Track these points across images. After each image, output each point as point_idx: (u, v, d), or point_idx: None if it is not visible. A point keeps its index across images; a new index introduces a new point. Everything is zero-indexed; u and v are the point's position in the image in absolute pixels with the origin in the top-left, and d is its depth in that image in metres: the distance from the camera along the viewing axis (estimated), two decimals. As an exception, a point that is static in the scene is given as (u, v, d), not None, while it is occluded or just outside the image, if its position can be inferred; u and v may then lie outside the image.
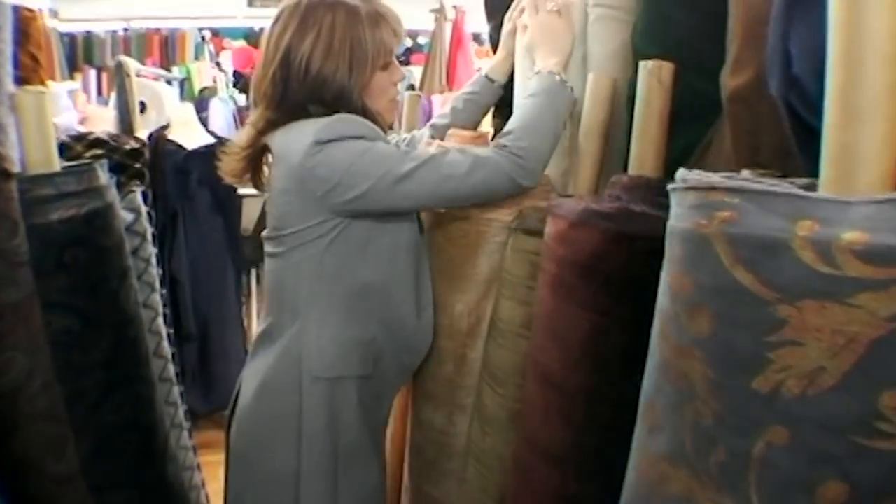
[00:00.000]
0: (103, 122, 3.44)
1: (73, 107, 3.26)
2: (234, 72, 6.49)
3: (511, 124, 1.40)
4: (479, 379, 1.46)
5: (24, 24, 1.58)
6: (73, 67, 6.21)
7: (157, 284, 1.67)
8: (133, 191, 1.59)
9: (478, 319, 1.45)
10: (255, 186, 1.54)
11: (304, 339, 1.42)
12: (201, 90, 5.86)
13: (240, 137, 1.48)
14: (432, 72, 6.35)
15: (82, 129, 3.13)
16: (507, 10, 1.68)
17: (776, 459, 0.61)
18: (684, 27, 1.20)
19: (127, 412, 1.32)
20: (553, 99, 1.40)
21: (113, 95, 3.54)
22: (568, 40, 1.46)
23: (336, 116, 1.37)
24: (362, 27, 1.41)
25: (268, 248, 1.49)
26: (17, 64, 1.51)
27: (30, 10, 1.62)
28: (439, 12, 6.39)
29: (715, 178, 0.64)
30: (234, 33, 7.29)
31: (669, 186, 0.69)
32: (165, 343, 1.69)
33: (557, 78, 1.42)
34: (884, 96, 0.59)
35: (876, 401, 0.55)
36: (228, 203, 3.25)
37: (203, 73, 6.28)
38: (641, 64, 1.11)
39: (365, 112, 1.43)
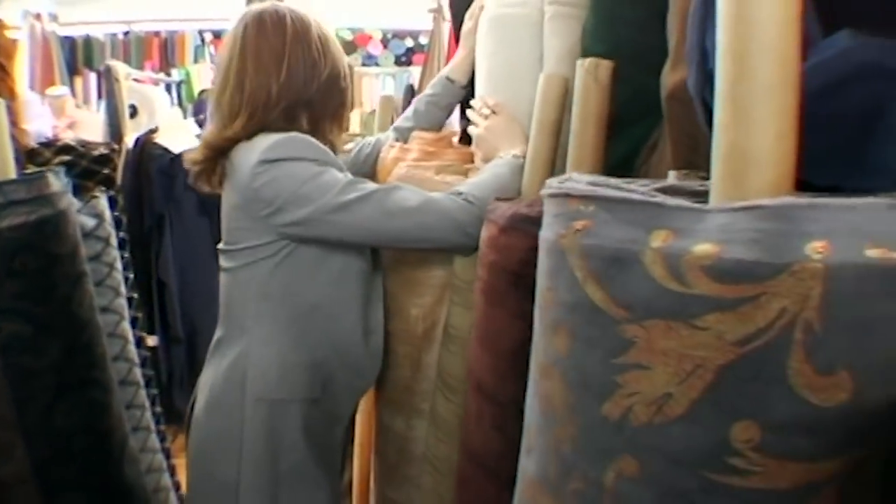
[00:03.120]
0: (92, 126, 3.46)
1: (56, 113, 3.27)
2: (234, 74, 6.51)
3: (472, 183, 1.38)
4: (434, 385, 1.46)
5: (-10, 35, 1.58)
6: (72, 71, 6.23)
7: (122, 288, 1.67)
8: (96, 196, 1.60)
9: (433, 324, 1.45)
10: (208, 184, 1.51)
11: (249, 358, 1.41)
12: (200, 92, 5.90)
13: (196, 153, 1.47)
14: (431, 71, 6.33)
15: (69, 134, 3.15)
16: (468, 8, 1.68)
17: (627, 491, 0.56)
18: (630, 25, 1.18)
19: (80, 415, 1.33)
20: (516, 178, 1.37)
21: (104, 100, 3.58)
22: (519, 129, 1.44)
23: (286, 136, 1.36)
24: (313, 45, 1.42)
25: (221, 261, 1.49)
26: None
27: (-6, 20, 1.63)
28: (437, 12, 6.38)
29: (576, 184, 0.60)
30: (234, 36, 7.31)
31: (541, 193, 0.67)
32: (131, 346, 1.70)
33: (522, 161, 1.39)
34: (773, 93, 0.55)
35: (726, 433, 0.51)
36: (215, 206, 3.25)
37: (202, 76, 6.31)
38: (578, 62, 1.09)
39: (316, 131, 1.43)
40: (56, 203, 1.29)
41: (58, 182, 1.32)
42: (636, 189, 0.57)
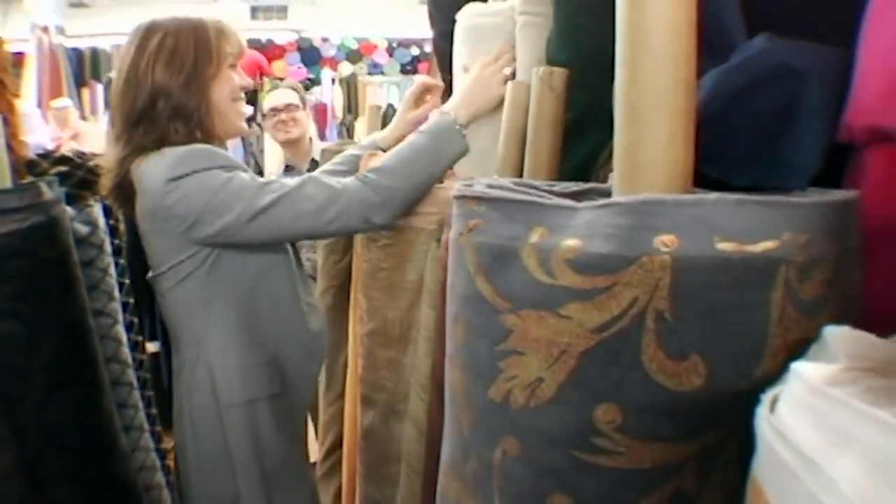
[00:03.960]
0: (95, 137, 3.55)
1: (47, 126, 3.36)
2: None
3: (387, 159, 1.42)
4: (410, 385, 1.52)
5: (-14, 49, 1.66)
6: (80, 82, 6.32)
7: (116, 293, 1.74)
8: (90, 206, 1.67)
9: (408, 326, 1.51)
10: (129, 214, 1.57)
11: (211, 367, 1.48)
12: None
13: (108, 161, 1.51)
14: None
15: (73, 145, 3.24)
16: (450, 17, 1.73)
17: (511, 470, 0.61)
18: (590, 33, 1.24)
19: (71, 412, 1.40)
20: (440, 142, 1.42)
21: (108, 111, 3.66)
22: (487, 99, 1.44)
23: (186, 149, 1.39)
24: (189, 35, 1.46)
25: (155, 288, 1.54)
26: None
27: (-8, 36, 1.70)
28: (442, 22, 6.43)
29: (474, 186, 0.65)
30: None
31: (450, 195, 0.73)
32: (125, 349, 1.77)
33: (456, 126, 1.43)
34: (663, 95, 0.57)
35: (591, 415, 0.54)
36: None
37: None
38: (533, 70, 1.13)
39: (208, 128, 1.47)
40: (48, 211, 1.37)
41: (50, 191, 1.40)
42: (527, 190, 0.62)
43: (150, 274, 1.55)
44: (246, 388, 1.48)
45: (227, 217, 1.36)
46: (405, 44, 7.94)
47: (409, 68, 7.95)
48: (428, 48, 7.47)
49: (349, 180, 1.40)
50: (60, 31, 6.26)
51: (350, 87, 7.25)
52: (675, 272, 0.50)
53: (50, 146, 2.75)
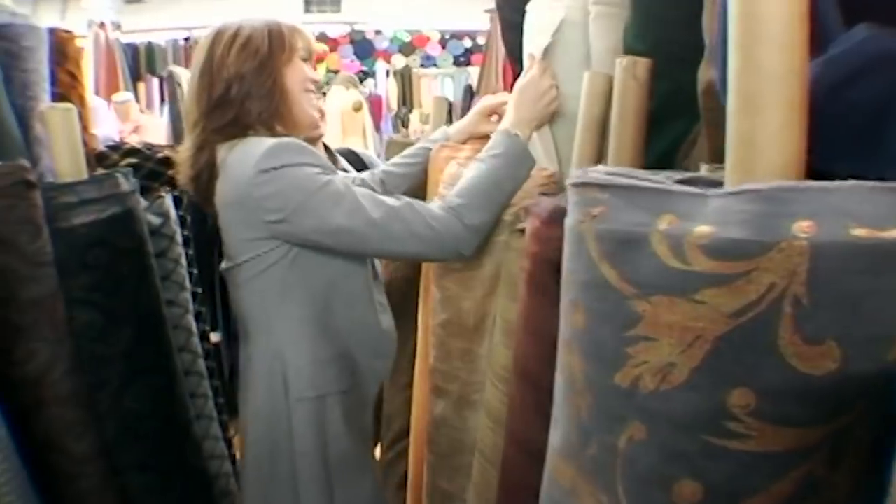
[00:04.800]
0: (156, 130, 3.60)
1: (120, 118, 3.41)
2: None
3: (471, 189, 1.41)
4: (485, 376, 1.50)
5: (61, 45, 1.69)
6: (135, 77, 6.44)
7: (187, 283, 1.76)
8: (162, 196, 1.69)
9: (483, 317, 1.49)
10: (207, 206, 1.58)
11: (283, 361, 1.48)
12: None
13: (184, 150, 1.54)
14: (489, 72, 6.38)
15: (135, 137, 3.28)
16: (518, 9, 1.71)
17: (637, 455, 0.60)
18: (668, 24, 1.22)
19: (147, 400, 1.41)
20: (516, 167, 1.43)
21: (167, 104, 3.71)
22: (546, 113, 1.46)
23: (276, 141, 1.40)
24: (262, 27, 1.49)
25: (228, 279, 1.56)
26: (55, 81, 1.64)
27: (66, 32, 1.73)
28: (494, 12, 6.40)
29: (593, 174, 0.65)
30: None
31: (566, 182, 0.72)
32: (195, 339, 1.78)
33: (525, 145, 1.44)
34: (778, 83, 0.58)
35: (724, 399, 0.55)
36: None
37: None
38: (617, 61, 1.12)
39: (283, 115, 1.49)
40: (125, 202, 1.38)
41: (127, 182, 1.41)
42: (650, 178, 0.62)
43: (224, 264, 1.55)
44: (316, 383, 1.48)
45: (317, 223, 1.37)
46: (458, 36, 7.91)
47: (462, 60, 7.92)
48: (480, 40, 7.45)
49: (439, 210, 1.40)
50: (117, 26, 6.38)
51: (405, 80, 7.26)
52: (812, 258, 0.50)
53: (117, 138, 2.79)
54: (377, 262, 1.63)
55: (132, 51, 6.75)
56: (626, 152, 1.12)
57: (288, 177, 1.37)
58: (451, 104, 7.54)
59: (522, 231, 1.35)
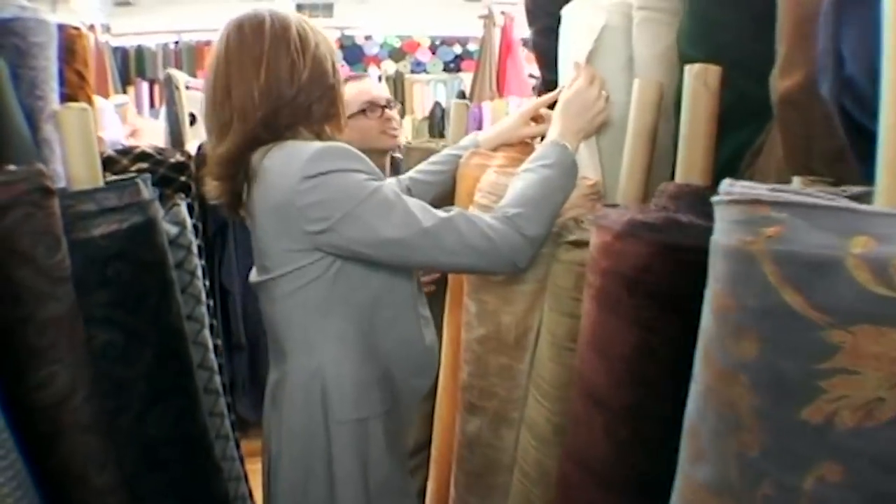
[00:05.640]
0: (153, 134, 3.50)
1: (120, 121, 3.31)
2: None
3: (523, 196, 1.33)
4: (527, 392, 1.43)
5: (69, 42, 1.59)
6: (125, 80, 6.35)
7: (203, 296, 1.67)
8: (178, 204, 1.60)
9: (525, 331, 1.42)
10: (233, 212, 1.47)
11: (323, 381, 1.38)
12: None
13: (211, 164, 1.41)
14: (482, 79, 6.35)
15: (132, 141, 3.18)
16: (551, 13, 1.64)
17: (828, 496, 0.55)
18: (729, 28, 1.16)
19: (170, 424, 1.32)
20: (567, 177, 1.36)
21: (163, 108, 3.61)
22: (595, 124, 1.41)
23: (323, 145, 1.30)
24: (292, 44, 1.36)
25: (263, 292, 1.45)
26: (63, 81, 1.54)
27: (76, 29, 1.63)
28: (488, 18, 6.37)
29: (761, 190, 0.59)
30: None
31: (713, 199, 0.65)
32: (211, 355, 1.70)
33: (573, 156, 1.38)
34: None
35: None
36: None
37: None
38: (687, 68, 1.06)
39: (316, 135, 1.39)
40: (147, 210, 1.29)
41: (147, 190, 1.32)
42: (828, 195, 0.56)
43: (256, 276, 1.46)
44: (359, 405, 1.39)
45: (365, 233, 1.28)
46: (448, 42, 7.88)
47: (453, 66, 7.89)
48: (471, 46, 7.41)
49: (494, 220, 1.31)
50: (106, 29, 6.26)
51: (397, 86, 7.20)
52: None
53: (125, 142, 2.69)
54: (416, 273, 1.54)
55: (122, 54, 6.66)
56: (697, 163, 1.06)
57: (334, 183, 1.27)
58: (443, 110, 7.50)
59: (573, 243, 1.27)
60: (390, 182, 1.56)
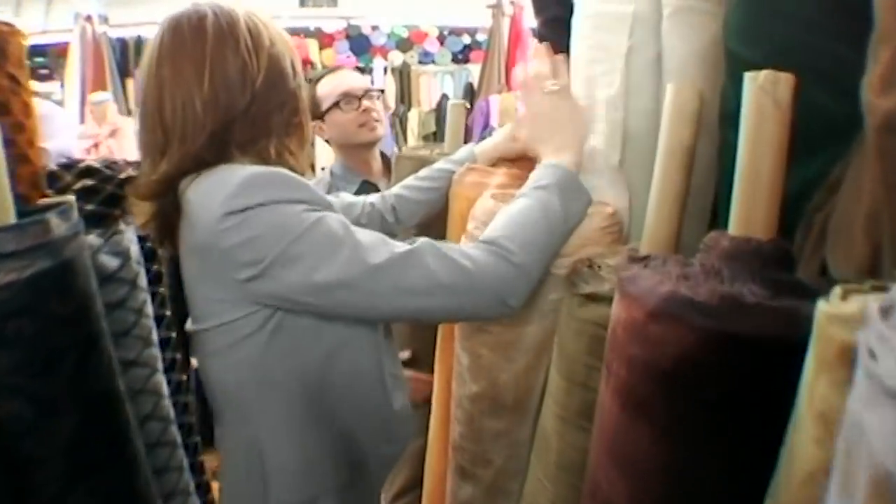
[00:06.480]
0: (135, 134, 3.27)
1: (69, 126, 3.08)
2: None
3: (514, 225, 1.08)
4: (527, 463, 1.18)
5: (0, 41, 1.34)
6: (123, 72, 6.17)
7: (153, 336, 1.42)
8: (120, 231, 1.35)
9: (525, 393, 1.17)
10: (165, 244, 1.24)
11: (261, 455, 1.14)
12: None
13: (144, 182, 1.17)
14: (490, 70, 6.14)
15: (111, 143, 2.96)
16: (560, 1, 1.39)
17: None
18: (798, 23, 0.89)
19: (101, 502, 1.09)
20: (570, 201, 1.11)
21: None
22: (580, 126, 1.15)
23: (252, 171, 1.05)
24: (241, 43, 1.12)
25: (193, 343, 1.21)
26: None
27: (7, 25, 1.38)
28: (496, 8, 6.15)
29: None
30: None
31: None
32: (165, 401, 1.45)
33: (574, 175, 1.13)
34: None
35: None
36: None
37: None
38: (748, 76, 0.78)
39: (268, 152, 1.14)
40: (58, 251, 1.03)
41: (64, 223, 1.07)
42: None
43: (189, 324, 1.21)
44: (305, 482, 1.15)
45: (304, 277, 1.02)
46: (456, 32, 7.66)
47: (461, 57, 7.69)
48: (480, 37, 7.18)
49: (473, 249, 1.07)
50: (104, 20, 6.04)
51: (403, 77, 6.97)
52: None
53: (77, 149, 2.45)
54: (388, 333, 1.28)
55: (121, 45, 6.43)
56: (758, 209, 0.78)
57: (264, 219, 1.02)
58: (444, 102, 7.29)
59: (588, 297, 1.01)
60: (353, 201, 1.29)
